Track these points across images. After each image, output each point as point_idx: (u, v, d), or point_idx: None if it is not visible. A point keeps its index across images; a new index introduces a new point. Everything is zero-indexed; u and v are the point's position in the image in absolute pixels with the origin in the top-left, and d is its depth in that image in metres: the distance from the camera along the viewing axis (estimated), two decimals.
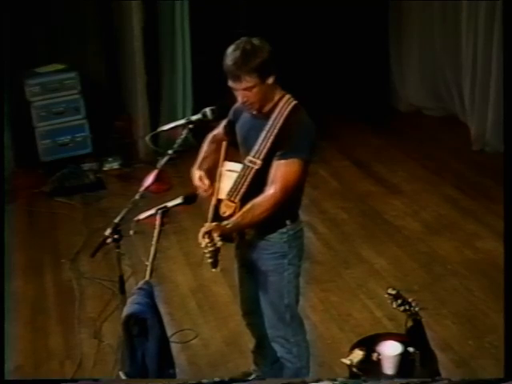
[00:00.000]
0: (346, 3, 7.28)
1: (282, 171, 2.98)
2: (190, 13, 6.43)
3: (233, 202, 3.07)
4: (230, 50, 2.97)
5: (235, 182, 3.09)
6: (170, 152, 3.15)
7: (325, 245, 5.12)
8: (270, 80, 3.00)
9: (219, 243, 2.86)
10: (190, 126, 3.16)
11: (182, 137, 3.16)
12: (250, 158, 3.07)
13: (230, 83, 2.98)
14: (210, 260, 2.89)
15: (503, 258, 3.16)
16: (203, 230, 2.89)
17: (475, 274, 4.64)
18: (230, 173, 3.15)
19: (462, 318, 4.23)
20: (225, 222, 2.98)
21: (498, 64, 6.08)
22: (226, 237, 2.93)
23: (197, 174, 3.26)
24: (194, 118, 3.18)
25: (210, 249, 2.85)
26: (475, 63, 6.51)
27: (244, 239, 3.19)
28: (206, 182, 3.20)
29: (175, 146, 3.16)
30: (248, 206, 2.99)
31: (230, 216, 3.03)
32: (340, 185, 6.11)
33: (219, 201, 3.13)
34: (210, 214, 3.13)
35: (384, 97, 7.67)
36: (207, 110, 3.18)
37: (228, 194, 3.10)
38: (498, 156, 5.20)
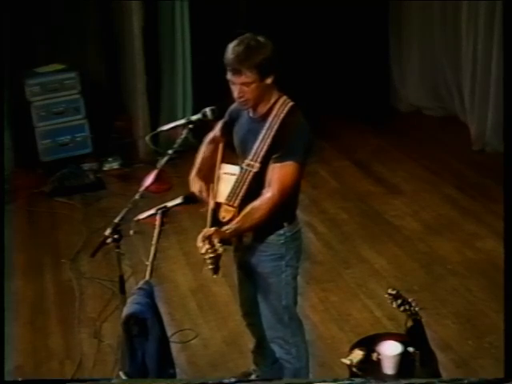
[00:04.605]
0: (346, 3, 7.28)
1: (278, 174, 2.98)
2: (190, 13, 6.43)
3: (232, 206, 3.05)
4: (234, 43, 2.96)
5: (233, 186, 3.07)
6: (169, 152, 3.15)
7: (325, 245, 5.12)
8: (269, 80, 2.99)
9: (220, 249, 2.83)
10: (190, 125, 3.15)
11: (182, 137, 3.16)
12: (247, 161, 3.05)
13: (229, 76, 2.97)
14: (210, 266, 2.87)
15: (503, 258, 3.16)
16: (202, 234, 2.87)
17: (475, 274, 4.64)
18: (228, 176, 3.14)
19: (461, 318, 4.23)
20: (224, 228, 2.96)
21: (498, 64, 6.08)
22: (224, 241, 2.92)
23: (196, 185, 3.24)
24: (194, 117, 3.18)
25: (211, 255, 2.83)
26: (475, 63, 6.51)
27: (242, 242, 3.18)
28: (205, 194, 3.18)
29: (175, 146, 3.16)
30: (246, 209, 2.98)
31: (230, 221, 3.01)
32: (340, 185, 6.10)
33: (217, 204, 3.12)
34: (209, 219, 3.11)
35: (384, 97, 7.67)
36: (207, 109, 3.17)
37: (227, 199, 3.08)
38: (498, 156, 5.20)
